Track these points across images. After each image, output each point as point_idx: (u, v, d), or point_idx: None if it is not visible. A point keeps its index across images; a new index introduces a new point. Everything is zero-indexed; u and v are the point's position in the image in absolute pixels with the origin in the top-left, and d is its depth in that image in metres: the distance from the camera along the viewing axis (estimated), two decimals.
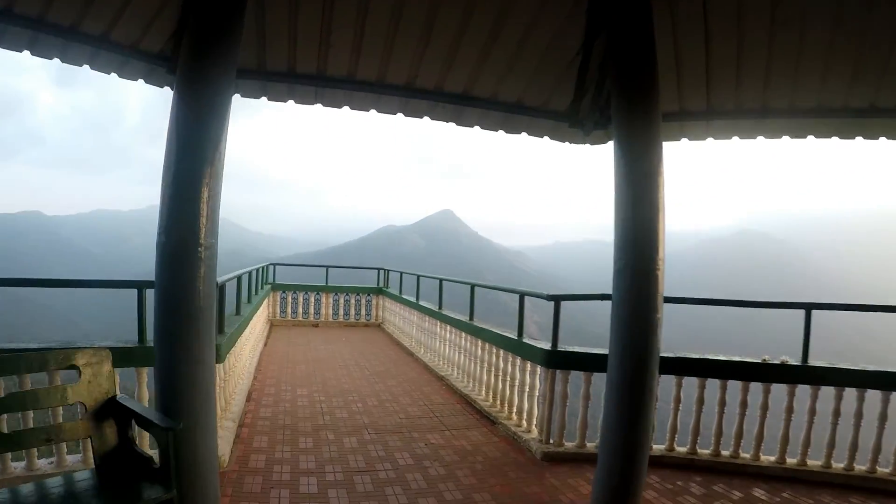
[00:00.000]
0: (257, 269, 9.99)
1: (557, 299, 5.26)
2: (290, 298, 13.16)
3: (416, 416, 6.13)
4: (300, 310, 13.22)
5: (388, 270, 13.75)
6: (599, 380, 4.22)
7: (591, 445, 5.06)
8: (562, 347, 5.17)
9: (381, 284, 13.82)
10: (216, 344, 3.32)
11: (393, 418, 6.01)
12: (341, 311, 13.50)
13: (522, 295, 5.92)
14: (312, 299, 13.32)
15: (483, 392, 6.76)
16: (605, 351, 3.66)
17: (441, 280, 9.22)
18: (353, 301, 13.63)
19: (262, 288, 11.40)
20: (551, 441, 5.12)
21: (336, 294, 13.52)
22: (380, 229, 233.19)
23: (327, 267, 13.67)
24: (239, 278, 7.51)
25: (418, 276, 10.58)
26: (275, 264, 13.20)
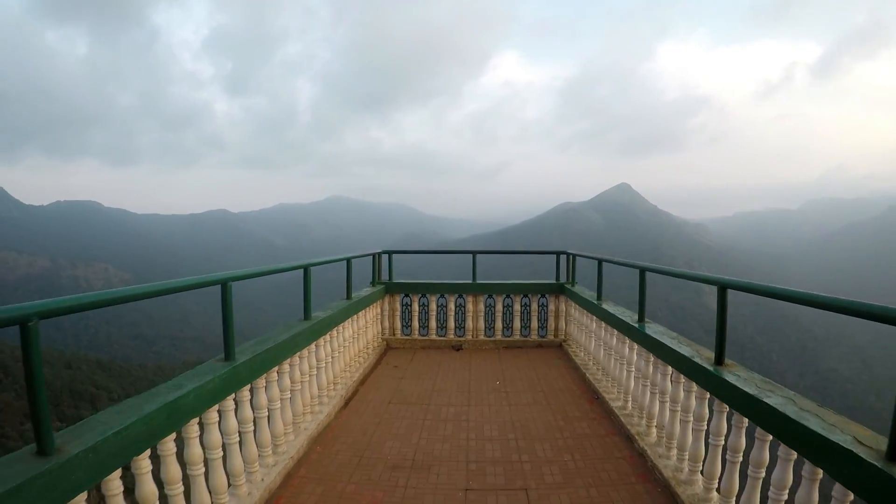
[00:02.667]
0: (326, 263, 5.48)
1: None
2: (415, 305, 8.47)
3: None
4: (432, 322, 8.45)
5: (574, 255, 8.26)
6: None
7: None
8: None
9: (564, 278, 8.44)
10: None
11: None
12: (498, 323, 8.42)
13: None
14: (453, 305, 8.43)
15: None
16: None
17: (714, 282, 3.39)
18: (517, 306, 8.46)
19: (364, 290, 7.12)
20: None
21: (490, 296, 8.47)
22: (556, 207, 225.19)
23: (473, 253, 8.56)
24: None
25: (642, 271, 4.90)
26: (390, 252, 8.57)
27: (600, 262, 6.40)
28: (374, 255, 8.00)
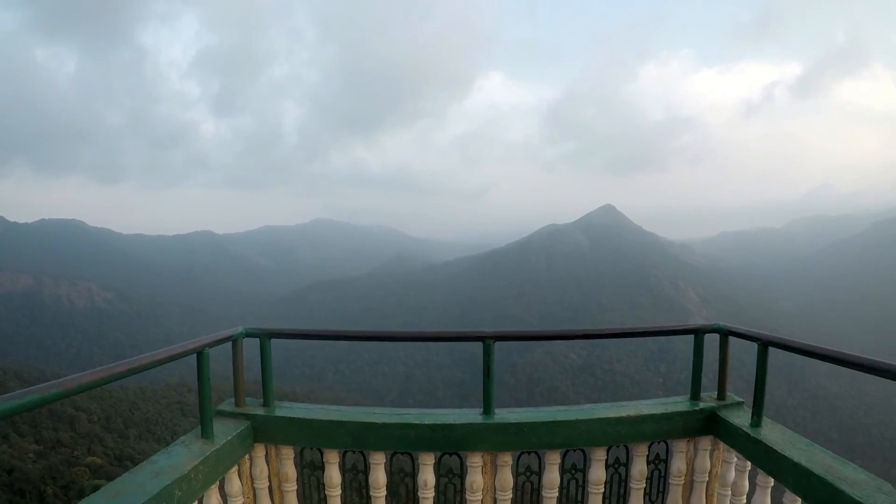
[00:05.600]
0: None
1: None
2: (334, 471, 3.14)
3: None
4: None
5: (765, 342, 2.77)
6: None
7: None
8: None
9: (716, 390, 3.23)
10: None
11: None
12: None
13: None
14: (432, 474, 3.17)
15: None
16: None
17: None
18: (596, 470, 3.18)
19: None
20: None
21: (528, 453, 3.18)
22: (542, 229, 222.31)
23: (485, 338, 3.04)
24: None
25: None
26: (263, 335, 3.05)
27: None
28: (200, 350, 2.72)
